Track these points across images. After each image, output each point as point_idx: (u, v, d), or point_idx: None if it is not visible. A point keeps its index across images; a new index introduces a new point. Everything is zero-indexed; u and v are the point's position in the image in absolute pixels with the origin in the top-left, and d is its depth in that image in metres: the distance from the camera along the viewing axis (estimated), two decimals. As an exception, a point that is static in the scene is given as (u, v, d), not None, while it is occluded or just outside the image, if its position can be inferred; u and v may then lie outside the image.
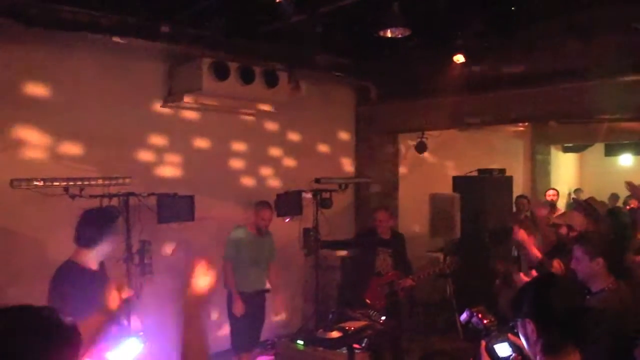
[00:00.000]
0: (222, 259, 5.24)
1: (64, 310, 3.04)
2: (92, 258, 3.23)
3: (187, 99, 5.69)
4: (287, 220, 6.26)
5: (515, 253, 5.17)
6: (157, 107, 5.86)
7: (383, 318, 4.38)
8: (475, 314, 2.58)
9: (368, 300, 5.48)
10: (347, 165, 7.95)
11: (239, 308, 5.16)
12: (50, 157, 5.10)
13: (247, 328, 5.30)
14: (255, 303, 5.35)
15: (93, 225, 3.26)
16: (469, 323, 2.58)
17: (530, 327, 1.94)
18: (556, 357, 1.91)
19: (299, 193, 6.50)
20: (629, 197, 8.80)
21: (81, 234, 3.23)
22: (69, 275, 3.16)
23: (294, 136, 7.17)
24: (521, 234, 4.42)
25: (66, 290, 3.08)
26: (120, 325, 3.31)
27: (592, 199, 5.90)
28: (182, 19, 5.19)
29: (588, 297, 3.23)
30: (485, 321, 2.53)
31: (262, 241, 5.40)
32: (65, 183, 4.51)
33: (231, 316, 5.29)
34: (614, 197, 10.41)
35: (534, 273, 3.40)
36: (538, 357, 1.94)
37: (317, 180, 6.63)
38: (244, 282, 5.27)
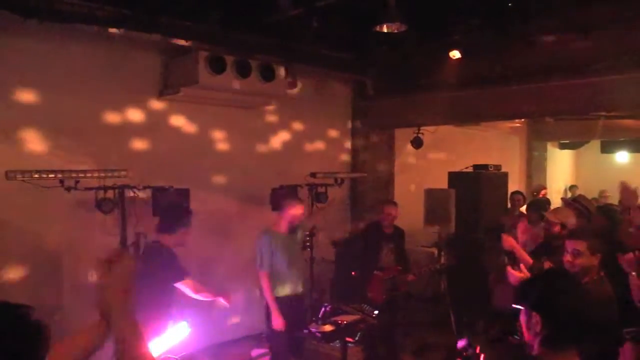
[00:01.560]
0: (257, 269, 4.87)
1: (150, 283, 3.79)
2: (170, 243, 4.14)
3: (184, 92, 5.69)
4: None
5: (505, 259, 5.18)
6: (153, 100, 5.87)
7: (376, 312, 4.41)
8: (474, 346, 2.60)
9: (370, 295, 5.52)
10: (343, 159, 7.96)
11: (279, 323, 4.75)
12: (46, 149, 5.10)
13: (288, 337, 4.87)
14: (294, 308, 4.94)
15: (170, 217, 4.25)
16: (465, 351, 2.61)
17: (535, 319, 1.94)
18: (554, 353, 1.92)
19: (294, 187, 6.51)
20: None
21: (161, 224, 4.21)
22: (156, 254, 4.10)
23: (290, 130, 7.18)
24: (510, 242, 4.45)
25: (154, 265, 3.98)
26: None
27: (581, 196, 5.92)
28: (179, 11, 5.18)
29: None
30: (482, 356, 2.56)
31: (294, 239, 5.08)
32: (60, 175, 4.52)
33: (270, 329, 4.90)
34: (603, 194, 10.48)
35: (522, 267, 3.44)
36: (535, 347, 1.96)
37: (313, 175, 6.65)
38: (282, 287, 4.90)
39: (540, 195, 9.28)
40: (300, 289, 5.08)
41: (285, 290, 4.92)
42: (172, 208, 4.70)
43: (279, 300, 4.84)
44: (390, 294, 5.64)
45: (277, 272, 4.87)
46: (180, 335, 3.76)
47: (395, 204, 6.07)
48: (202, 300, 4.25)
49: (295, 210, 4.95)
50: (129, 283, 1.76)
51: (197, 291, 4.15)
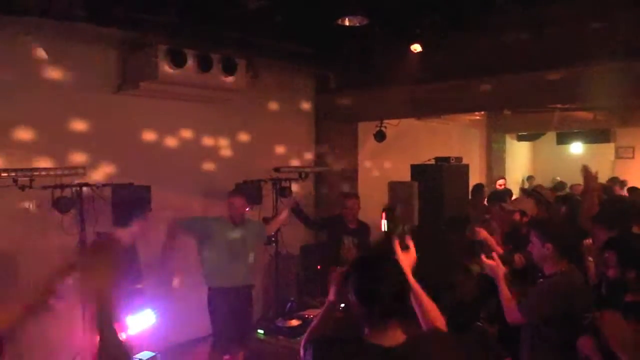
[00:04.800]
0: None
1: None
2: (124, 235, 4.08)
3: (143, 86, 5.55)
4: (247, 209, 6.22)
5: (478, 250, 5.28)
6: (112, 95, 5.70)
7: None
8: None
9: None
10: (307, 154, 7.94)
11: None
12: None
13: (226, 326, 4.93)
14: (236, 300, 4.97)
15: (124, 209, 4.33)
16: None
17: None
18: None
19: (258, 182, 6.46)
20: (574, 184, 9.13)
21: (115, 217, 4.33)
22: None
23: (253, 125, 7.10)
24: (483, 233, 4.53)
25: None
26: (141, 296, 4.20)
27: (539, 186, 6.07)
28: (137, 3, 5.04)
29: (541, 280, 3.35)
30: None
31: (240, 233, 5.07)
32: (14, 174, 4.35)
33: (211, 314, 4.98)
34: (561, 184, 10.78)
35: (495, 257, 3.50)
36: None
37: (277, 169, 6.60)
38: (221, 277, 4.94)
39: (498, 186, 9.48)
40: (245, 281, 5.08)
41: (226, 281, 4.94)
42: (127, 201, 4.70)
43: (221, 291, 4.91)
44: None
45: (215, 263, 4.92)
46: (146, 322, 3.75)
47: (357, 196, 6.05)
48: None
49: (229, 202, 5.05)
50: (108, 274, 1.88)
51: None
